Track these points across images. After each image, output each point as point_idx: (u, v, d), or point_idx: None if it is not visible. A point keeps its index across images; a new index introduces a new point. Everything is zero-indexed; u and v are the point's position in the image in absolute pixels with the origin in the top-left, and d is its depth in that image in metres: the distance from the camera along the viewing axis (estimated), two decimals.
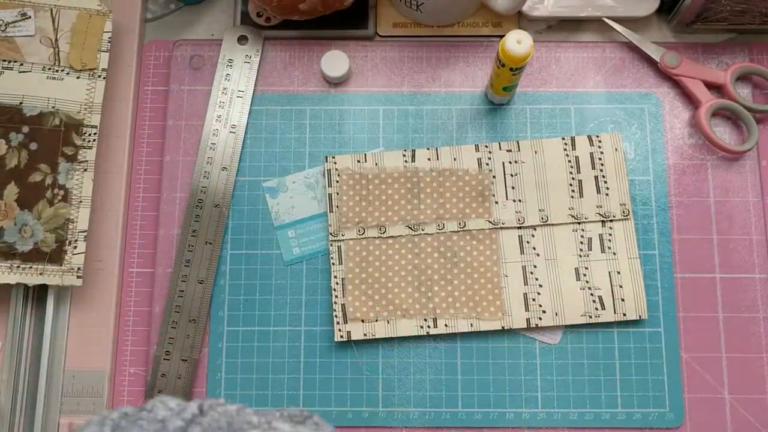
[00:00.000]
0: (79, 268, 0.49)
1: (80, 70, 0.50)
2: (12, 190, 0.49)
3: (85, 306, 0.51)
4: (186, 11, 0.58)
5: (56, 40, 0.51)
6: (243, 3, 0.56)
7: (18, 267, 0.48)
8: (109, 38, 0.51)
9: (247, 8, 0.56)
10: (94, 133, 0.50)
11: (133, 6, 0.56)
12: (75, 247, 0.49)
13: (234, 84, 0.55)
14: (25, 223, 0.49)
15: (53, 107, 0.50)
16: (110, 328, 0.51)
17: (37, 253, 0.49)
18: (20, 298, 0.51)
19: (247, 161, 0.54)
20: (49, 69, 0.50)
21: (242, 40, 0.55)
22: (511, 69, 0.48)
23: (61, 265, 0.49)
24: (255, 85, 0.55)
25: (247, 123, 0.54)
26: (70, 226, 0.49)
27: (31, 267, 0.49)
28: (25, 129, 0.49)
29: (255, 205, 0.53)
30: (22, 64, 0.50)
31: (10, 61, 0.50)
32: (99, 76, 0.51)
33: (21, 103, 0.50)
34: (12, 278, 0.48)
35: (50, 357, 0.50)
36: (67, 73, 0.50)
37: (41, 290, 0.51)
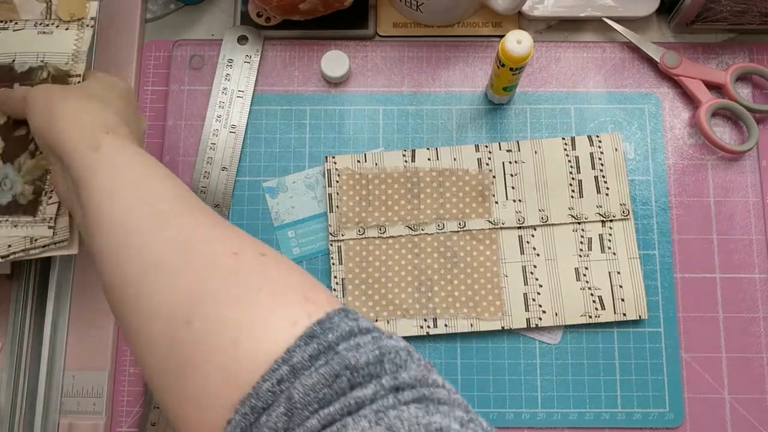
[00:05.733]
0: (51, 218, 0.47)
1: (69, 21, 0.49)
2: None
3: (85, 306, 0.51)
4: (186, 11, 0.58)
5: None
6: (243, 3, 0.56)
7: None
8: None
9: (247, 8, 0.56)
10: (78, 83, 0.49)
11: (133, 6, 0.56)
12: (50, 197, 0.47)
13: (234, 84, 0.55)
14: (5, 176, 0.47)
15: (42, 61, 0.49)
16: (110, 328, 0.51)
17: (14, 205, 0.47)
18: (20, 298, 0.51)
19: (247, 161, 0.54)
20: (40, 24, 0.50)
21: (242, 40, 0.55)
22: (511, 69, 0.48)
23: (34, 216, 0.47)
24: (255, 85, 0.55)
25: (247, 123, 0.54)
26: (48, 177, 0.47)
27: (7, 220, 0.47)
28: (16, 86, 0.48)
29: (255, 205, 0.53)
30: (16, 23, 0.50)
31: (6, 21, 0.49)
32: (87, 25, 0.50)
33: (13, 60, 0.49)
34: None
35: (50, 357, 0.50)
36: (57, 26, 0.49)
37: (41, 290, 0.51)
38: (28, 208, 0.47)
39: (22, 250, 0.46)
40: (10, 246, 0.46)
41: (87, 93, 0.43)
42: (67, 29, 0.50)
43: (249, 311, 0.29)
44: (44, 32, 0.49)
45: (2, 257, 0.46)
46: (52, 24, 0.50)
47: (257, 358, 0.28)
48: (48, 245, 0.46)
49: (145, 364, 0.31)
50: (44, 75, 0.48)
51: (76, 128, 0.39)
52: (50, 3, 0.50)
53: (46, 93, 0.42)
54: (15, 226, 0.47)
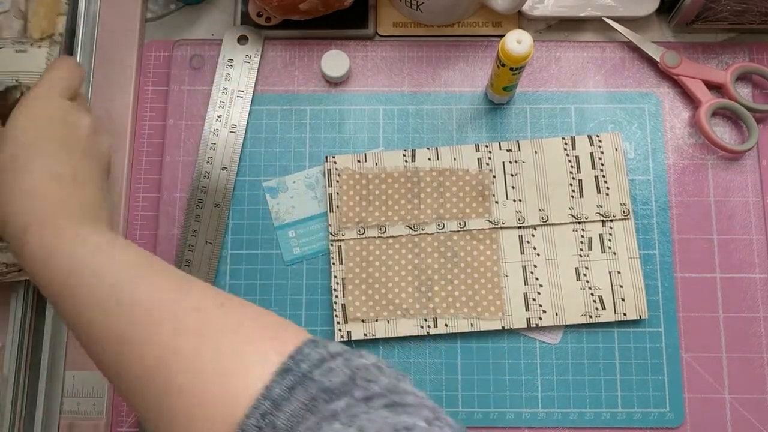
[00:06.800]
0: None
1: (41, 39, 0.49)
2: None
3: None
4: (186, 11, 0.58)
5: (26, 11, 0.49)
6: (243, 3, 0.56)
7: None
8: (67, 1, 0.50)
9: (247, 8, 0.56)
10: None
11: (133, 6, 0.56)
12: None
13: (234, 84, 0.55)
14: None
15: (16, 80, 0.47)
16: None
17: None
18: (20, 298, 0.51)
19: (248, 161, 0.54)
20: (17, 42, 0.49)
21: (242, 39, 0.55)
22: (511, 69, 0.48)
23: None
24: (255, 84, 0.55)
25: (248, 123, 0.54)
26: None
27: None
28: None
29: (255, 205, 0.53)
30: None
31: None
32: (56, 42, 0.49)
33: None
34: None
35: (50, 357, 0.50)
36: (31, 44, 0.49)
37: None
38: None
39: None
40: None
41: (50, 172, 0.38)
42: (39, 47, 0.49)
43: (222, 359, 0.31)
44: (20, 50, 0.48)
45: None
46: (27, 42, 0.49)
47: (237, 400, 0.29)
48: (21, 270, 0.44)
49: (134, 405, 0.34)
50: (18, 95, 0.47)
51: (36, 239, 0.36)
52: (27, 21, 0.49)
53: None
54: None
